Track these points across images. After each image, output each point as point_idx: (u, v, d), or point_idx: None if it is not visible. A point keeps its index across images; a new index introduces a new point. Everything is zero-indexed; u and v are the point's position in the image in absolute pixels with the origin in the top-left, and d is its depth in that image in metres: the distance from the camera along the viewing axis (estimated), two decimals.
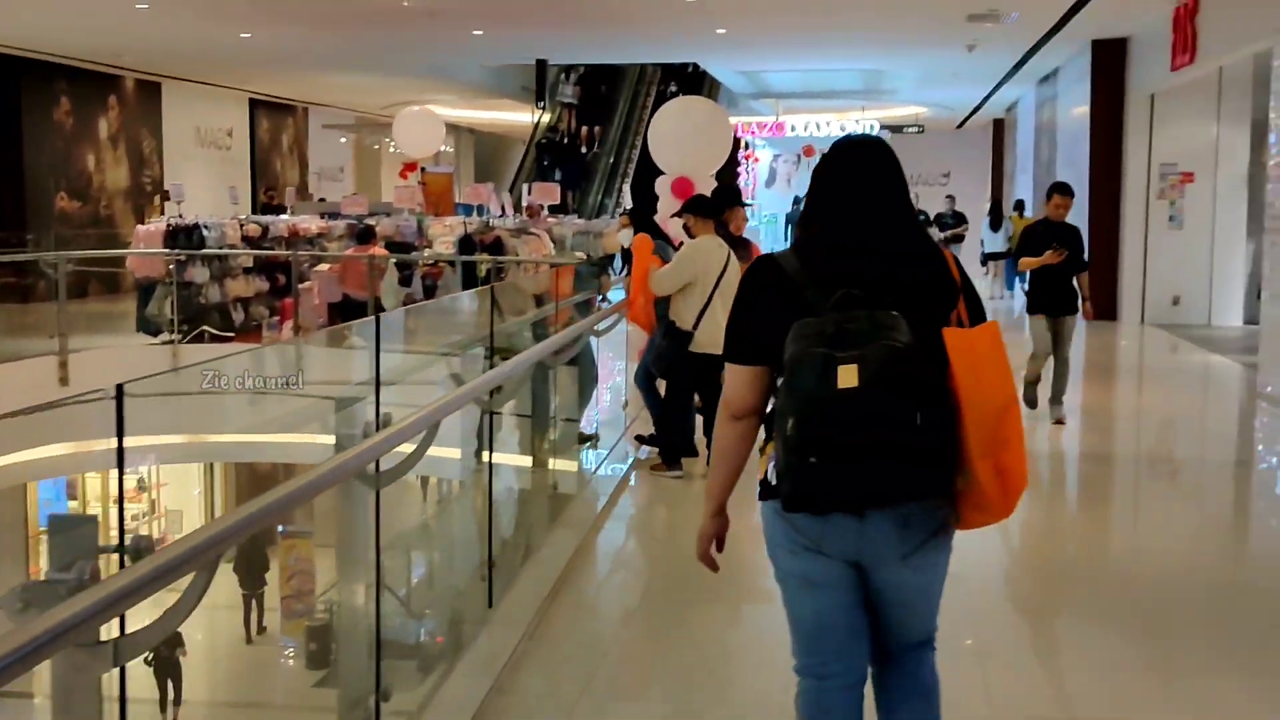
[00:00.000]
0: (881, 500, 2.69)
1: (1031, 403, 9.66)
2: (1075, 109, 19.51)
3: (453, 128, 31.03)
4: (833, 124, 23.40)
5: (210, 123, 25.34)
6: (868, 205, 2.86)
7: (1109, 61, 17.80)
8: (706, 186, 12.22)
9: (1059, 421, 9.61)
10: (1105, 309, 17.67)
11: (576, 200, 22.95)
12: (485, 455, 5.80)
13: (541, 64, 19.75)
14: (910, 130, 31.53)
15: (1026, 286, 9.83)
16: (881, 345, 2.58)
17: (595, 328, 7.87)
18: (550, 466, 7.17)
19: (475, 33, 16.99)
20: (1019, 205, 23.41)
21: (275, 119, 28.05)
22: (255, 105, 26.99)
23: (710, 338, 7.59)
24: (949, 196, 22.96)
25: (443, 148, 32.39)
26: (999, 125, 33.12)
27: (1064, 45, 18.23)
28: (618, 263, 14.83)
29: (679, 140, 11.87)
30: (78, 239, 19.41)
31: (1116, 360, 15.11)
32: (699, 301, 7.58)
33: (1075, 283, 9.75)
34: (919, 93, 26.23)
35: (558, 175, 23.46)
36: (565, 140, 24.64)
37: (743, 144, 24.58)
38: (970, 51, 18.05)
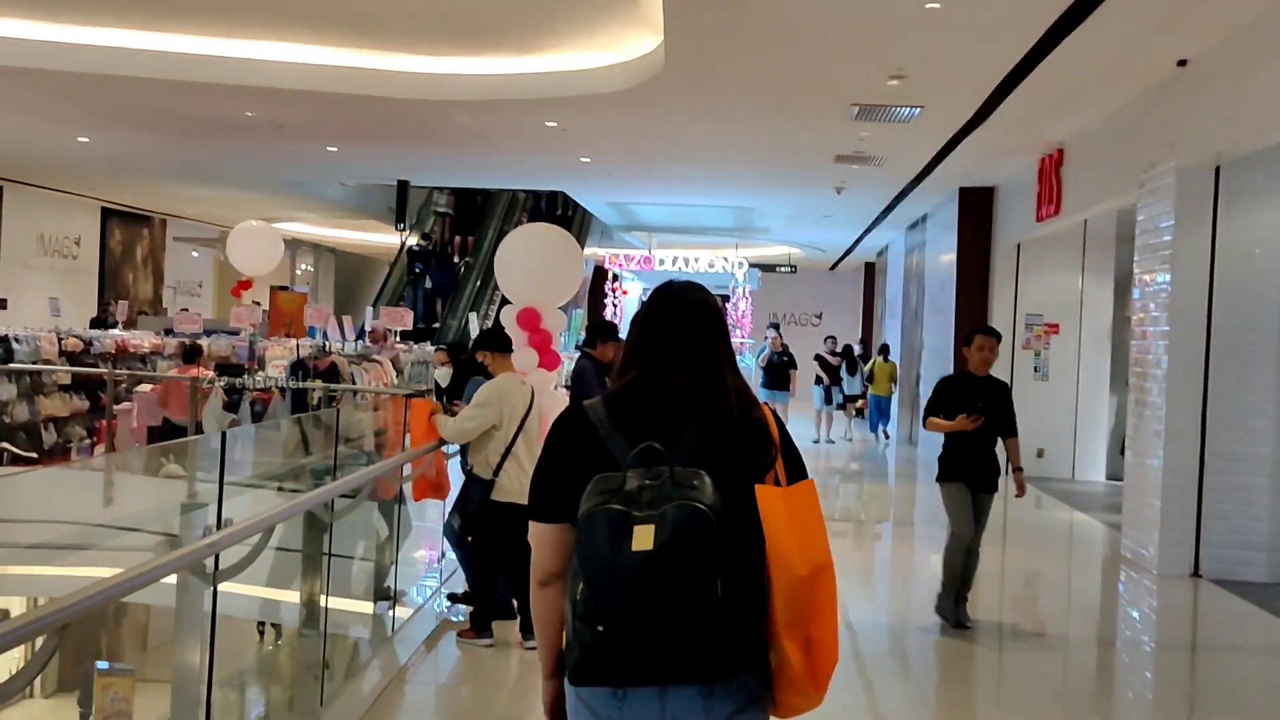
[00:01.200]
0: (680, 675, 2.48)
1: (952, 618, 7.83)
2: (943, 255, 19.39)
3: (314, 247, 30.22)
4: (702, 259, 23.06)
5: (56, 230, 24.15)
6: (682, 354, 2.69)
7: (976, 209, 17.71)
8: (554, 318, 11.55)
9: (960, 625, 7.78)
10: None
11: (444, 311, 22.19)
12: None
13: (403, 185, 19.10)
14: (783, 270, 31.50)
15: (941, 451, 8.03)
16: (681, 505, 2.40)
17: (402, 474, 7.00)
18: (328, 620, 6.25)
19: (329, 149, 16.29)
20: (884, 349, 23.37)
21: (129, 229, 26.92)
22: (108, 214, 25.88)
23: (515, 484, 6.85)
24: (830, 337, 22.92)
25: (303, 267, 31.65)
26: (870, 268, 33.28)
27: (932, 192, 18.13)
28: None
29: (526, 269, 11.18)
30: None
31: None
32: (501, 445, 6.84)
33: (1000, 448, 7.98)
34: (791, 233, 26.13)
35: (428, 283, 22.72)
36: (436, 249, 24.03)
37: (610, 275, 24.08)
38: (839, 194, 17.85)
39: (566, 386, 16.44)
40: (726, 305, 25.41)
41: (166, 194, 23.83)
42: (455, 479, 7.71)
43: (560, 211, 24.07)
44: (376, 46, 12.11)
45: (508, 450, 6.87)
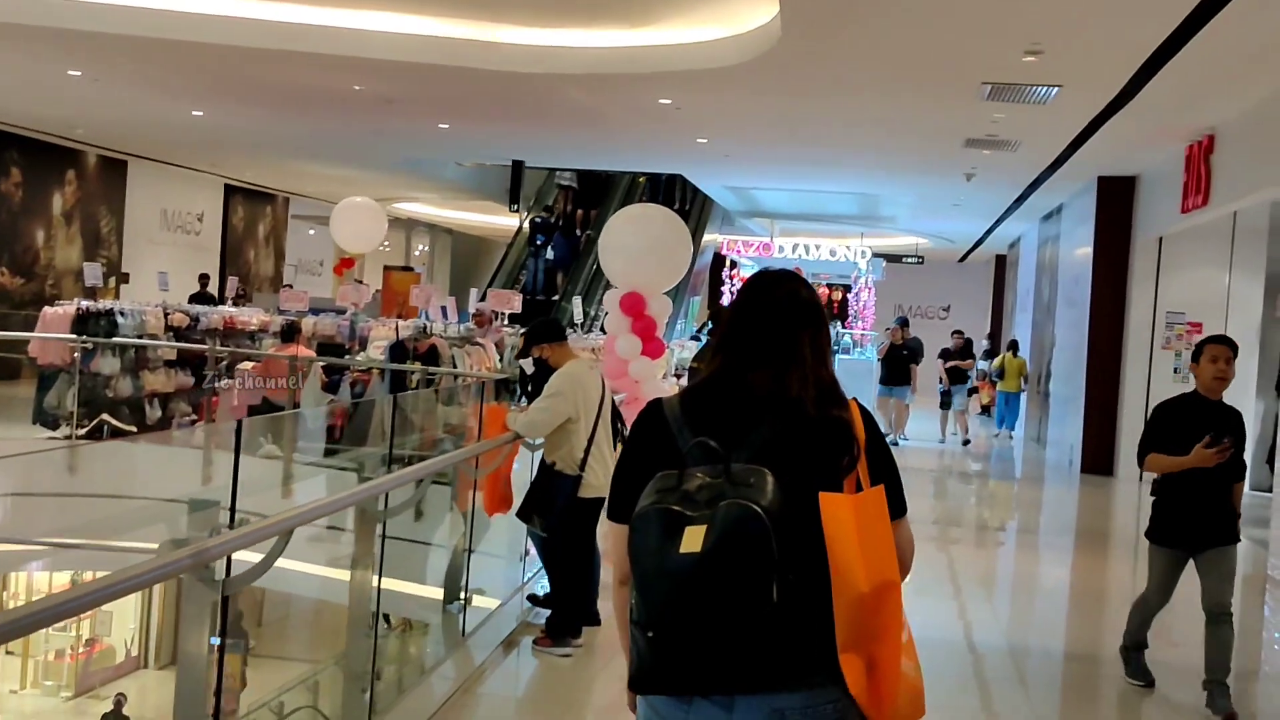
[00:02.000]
0: (745, 685, 2.35)
1: (1138, 671, 6.82)
2: (1078, 248, 18.41)
3: (430, 227, 30.08)
4: (823, 247, 22.31)
5: (179, 205, 24.31)
6: (765, 348, 2.57)
7: (1115, 200, 16.72)
8: (660, 304, 11.02)
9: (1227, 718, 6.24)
10: (1102, 464, 16.41)
11: (566, 284, 21.82)
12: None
13: (518, 165, 18.71)
14: (910, 260, 30.51)
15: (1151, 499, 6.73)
16: (733, 504, 2.28)
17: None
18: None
19: (441, 126, 15.94)
20: (1013, 345, 22.50)
21: (252, 206, 27.06)
22: (231, 191, 26.01)
23: (602, 479, 6.34)
24: (957, 331, 21.89)
25: (420, 248, 31.58)
26: (1000, 261, 32.12)
27: (1068, 181, 17.18)
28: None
29: (631, 251, 10.66)
30: (10, 319, 18.17)
31: (1110, 524, 13.73)
32: (582, 438, 6.32)
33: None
34: (918, 222, 25.23)
35: (550, 254, 22.37)
36: (559, 221, 23.74)
37: (728, 263, 23.46)
38: (969, 180, 16.99)
39: (677, 375, 15.97)
40: (848, 296, 24.59)
41: (287, 171, 23.83)
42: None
43: (680, 196, 23.48)
44: (485, 18, 11.68)
45: (589, 442, 6.36)
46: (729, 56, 10.88)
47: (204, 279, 19.85)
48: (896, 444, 18.59)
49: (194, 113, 16.13)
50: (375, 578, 4.80)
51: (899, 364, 17.69)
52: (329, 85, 13.61)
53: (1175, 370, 15.93)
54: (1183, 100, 11.44)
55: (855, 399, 2.61)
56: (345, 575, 4.82)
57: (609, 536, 2.62)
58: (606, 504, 2.62)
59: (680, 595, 2.26)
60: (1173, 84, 10.54)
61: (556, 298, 21.95)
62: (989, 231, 25.73)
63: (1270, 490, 15.23)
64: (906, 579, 2.52)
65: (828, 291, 29.23)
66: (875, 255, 25.06)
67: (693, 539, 2.26)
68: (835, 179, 19.28)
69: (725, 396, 2.55)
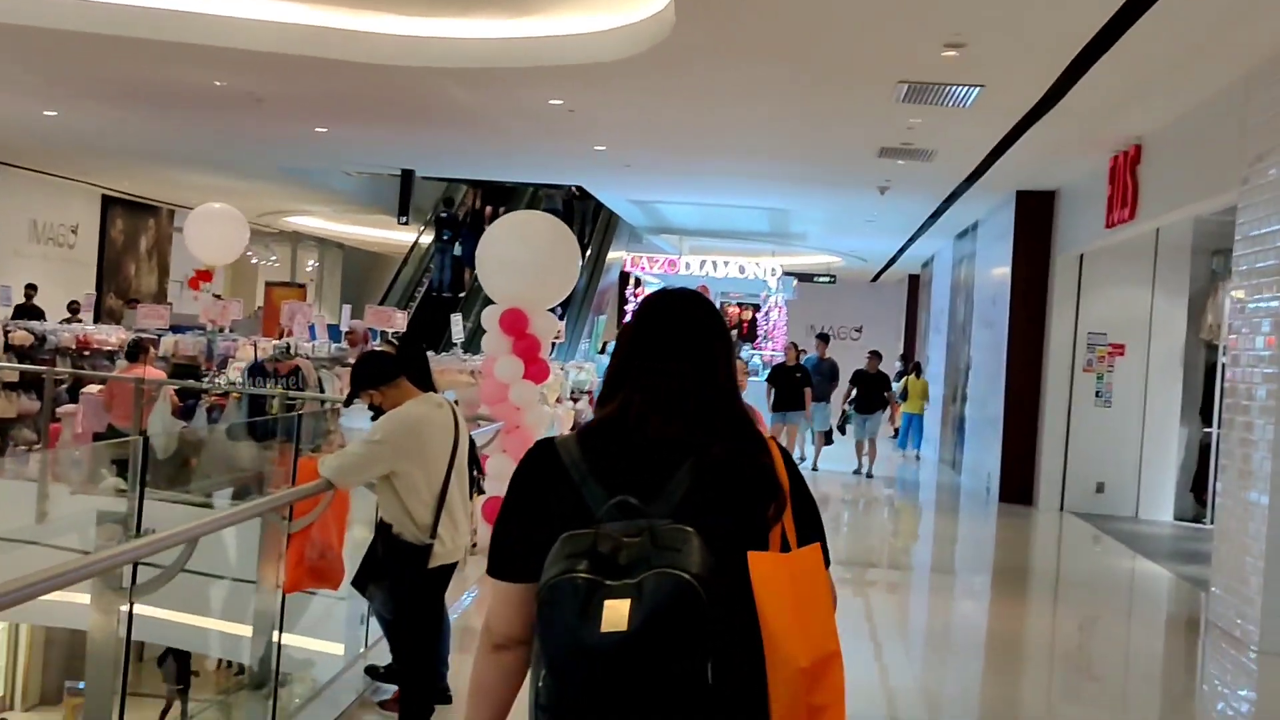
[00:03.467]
0: None
1: None
2: (995, 266, 17.66)
3: (319, 242, 28.69)
4: (732, 264, 21.39)
5: (51, 217, 22.77)
6: (669, 380, 2.22)
7: (1034, 215, 15.97)
8: (545, 321, 9.97)
9: None
10: (1021, 493, 15.61)
11: (472, 280, 20.65)
12: None
13: (408, 175, 17.56)
14: (822, 280, 29.83)
15: None
16: (663, 575, 1.97)
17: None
18: None
19: (319, 130, 14.75)
20: (916, 366, 22.09)
21: (133, 219, 25.50)
22: (110, 202, 24.47)
23: (456, 541, 5.22)
24: (873, 352, 20.77)
25: (311, 264, 30.21)
26: (914, 281, 31.52)
27: (985, 195, 16.42)
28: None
29: (513, 264, 9.61)
30: None
31: (1031, 561, 12.87)
32: (426, 495, 5.16)
33: None
34: (831, 240, 24.46)
35: (458, 250, 21.29)
36: (468, 218, 22.63)
37: (632, 280, 22.46)
38: (882, 194, 16.15)
39: (573, 399, 14.92)
40: (757, 316, 23.70)
41: (166, 181, 22.41)
42: None
43: (584, 212, 22.48)
44: (349, 5, 10.56)
45: (439, 502, 5.17)
46: (620, 48, 9.86)
47: (30, 290, 18.31)
48: (870, 477, 17.83)
49: (46, 113, 14.78)
50: (119, 678, 3.64)
51: (792, 386, 16.55)
52: (188, 80, 12.39)
53: (1097, 394, 15.20)
54: (1110, 105, 10.66)
55: (773, 438, 2.29)
56: None
57: (490, 594, 2.24)
58: (488, 558, 2.24)
59: (603, 681, 1.97)
60: (1100, 86, 9.74)
61: (463, 295, 20.94)
62: (902, 249, 25.05)
63: (1196, 520, 14.56)
64: None
65: (737, 311, 28.36)
66: (786, 274, 24.21)
67: (616, 615, 1.97)
68: (743, 193, 18.36)
69: (630, 439, 2.21)
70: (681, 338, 2.28)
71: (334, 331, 13.92)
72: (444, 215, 22.27)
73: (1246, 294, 8.85)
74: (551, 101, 12.04)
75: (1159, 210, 11.49)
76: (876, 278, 32.52)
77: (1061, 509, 15.03)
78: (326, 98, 12.90)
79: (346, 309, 14.13)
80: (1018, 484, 15.66)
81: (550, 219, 10.10)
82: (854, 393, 18.15)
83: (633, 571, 1.99)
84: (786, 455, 2.26)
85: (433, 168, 18.25)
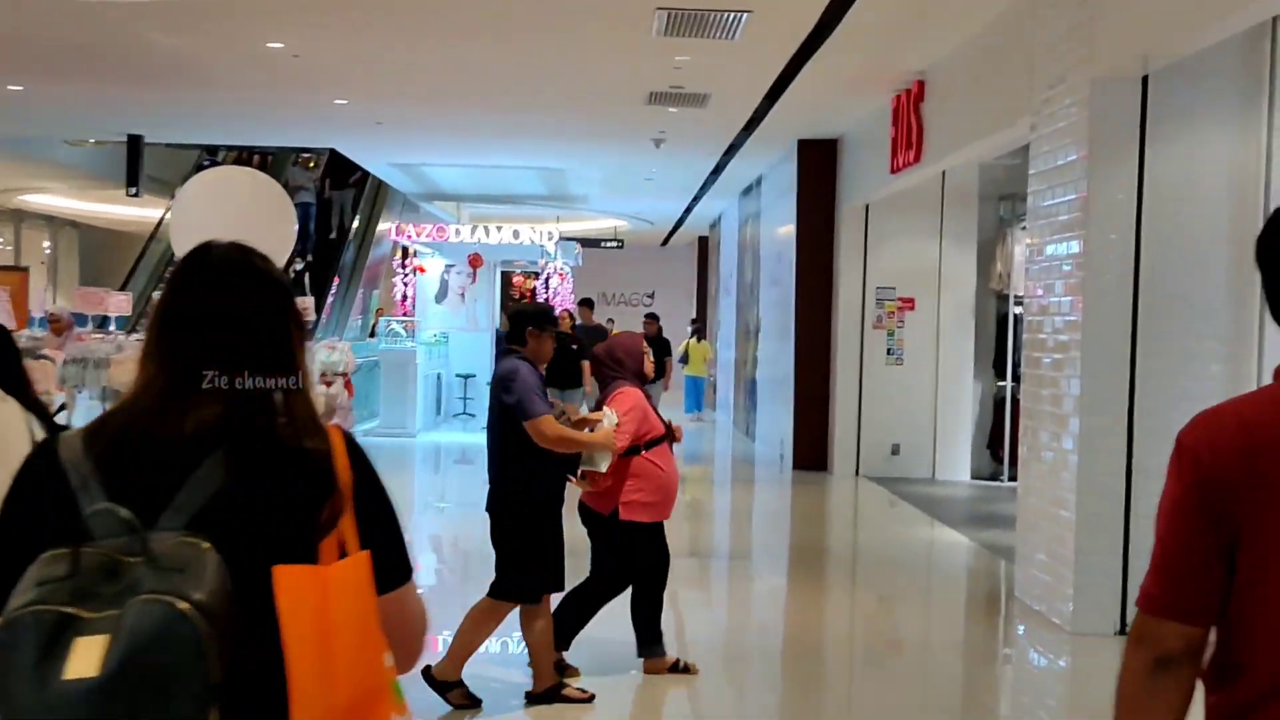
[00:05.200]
0: None
1: None
2: (780, 221, 16.81)
3: (48, 220, 26.19)
4: (506, 230, 20.11)
5: None
6: (212, 354, 1.85)
7: (817, 166, 15.13)
8: None
9: None
10: (815, 458, 14.79)
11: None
12: None
13: (135, 141, 15.69)
14: (609, 245, 28.74)
15: None
16: (150, 603, 1.60)
17: None
18: None
19: (11, 88, 12.85)
20: (698, 330, 21.43)
21: None
22: None
23: None
24: (650, 316, 19.59)
25: (46, 246, 27.72)
26: (704, 243, 30.78)
27: (766, 147, 15.52)
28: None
29: (209, 230, 8.11)
30: None
31: (826, 537, 11.95)
32: None
33: None
34: (614, 202, 23.35)
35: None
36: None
37: (398, 250, 20.93)
38: (658, 147, 15.05)
39: (326, 382, 13.43)
40: (535, 283, 22.48)
41: None
42: None
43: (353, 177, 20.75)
44: None
45: None
46: None
47: None
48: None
49: None
50: None
51: (566, 360, 14.93)
52: None
53: (889, 352, 14.45)
54: (888, 35, 9.74)
55: (338, 425, 1.95)
56: None
57: None
58: None
59: None
60: (877, 9, 8.77)
61: None
62: (688, 210, 24.19)
63: (994, 479, 13.95)
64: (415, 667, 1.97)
65: (521, 280, 27.07)
66: (568, 239, 23.05)
67: (86, 656, 1.58)
68: (512, 152, 17.03)
69: (153, 430, 1.82)
70: (220, 302, 1.91)
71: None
72: (205, 163, 20.19)
73: (1041, 235, 8.00)
74: (270, 45, 10.51)
75: (946, 150, 10.65)
76: (666, 241, 31.68)
77: (857, 474, 14.25)
78: (9, 45, 11.08)
79: (41, 292, 12.30)
80: (811, 449, 14.85)
81: (253, 174, 8.62)
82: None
83: (120, 600, 1.63)
84: (352, 443, 1.93)
85: (164, 133, 16.39)
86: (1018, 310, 12.80)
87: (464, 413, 20.78)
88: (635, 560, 6.05)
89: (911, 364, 14.32)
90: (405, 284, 20.62)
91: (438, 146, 16.69)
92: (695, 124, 13.67)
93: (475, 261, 19.72)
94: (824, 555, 10.72)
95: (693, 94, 12.00)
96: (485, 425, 5.89)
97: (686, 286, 32.70)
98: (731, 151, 16.15)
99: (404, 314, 20.23)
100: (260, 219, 8.35)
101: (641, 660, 6.16)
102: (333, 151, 18.64)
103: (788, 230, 15.94)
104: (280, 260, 8.57)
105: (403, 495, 14.28)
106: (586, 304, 16.23)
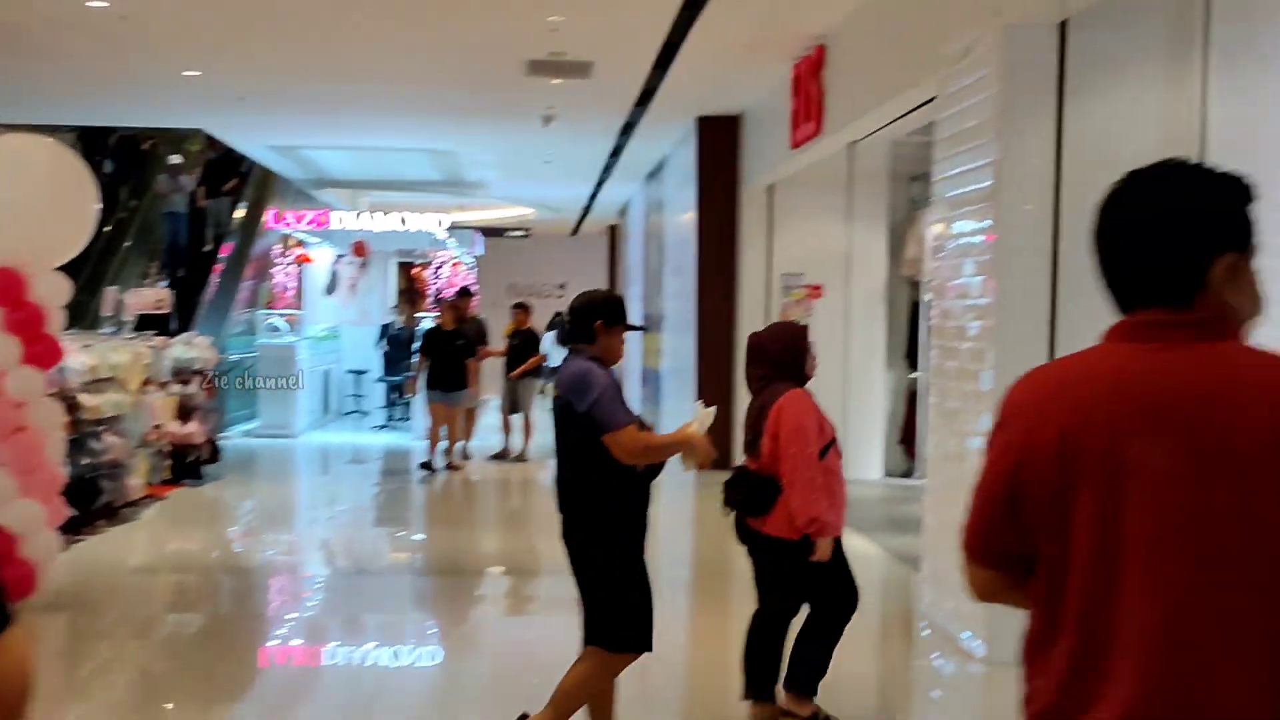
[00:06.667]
0: None
1: None
2: (683, 204, 15.83)
3: None
4: (392, 217, 18.91)
5: None
6: None
7: (718, 144, 14.17)
8: (51, 284, 7.35)
9: None
10: (719, 456, 13.80)
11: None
12: None
13: None
14: (515, 234, 27.66)
15: None
16: None
17: None
18: None
19: None
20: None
21: None
22: None
23: None
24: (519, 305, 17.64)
25: None
26: (614, 231, 29.78)
27: (665, 124, 14.54)
28: None
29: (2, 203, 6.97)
30: None
31: (727, 547, 10.95)
32: None
33: None
34: (514, 188, 22.21)
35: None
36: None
37: (280, 237, 19.66)
38: (547, 124, 13.97)
39: (181, 380, 12.17)
40: (425, 274, 21.31)
41: None
42: None
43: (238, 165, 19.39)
44: None
45: None
46: None
47: None
48: (524, 460, 14.83)
49: None
50: None
51: (452, 356, 13.62)
52: None
53: None
54: None
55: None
56: None
57: None
58: None
59: None
60: None
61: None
62: (594, 196, 23.15)
63: (907, 476, 13.08)
64: None
65: (419, 270, 25.86)
66: (466, 227, 21.91)
67: None
68: (396, 131, 15.86)
69: None
70: None
71: None
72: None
73: (947, 209, 7.06)
74: (90, 4, 9.31)
75: (846, 119, 9.70)
76: (575, 230, 30.63)
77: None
78: None
79: None
80: (714, 446, 13.85)
81: (50, 145, 7.46)
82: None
83: None
84: None
85: (9, 112, 15.01)
86: (929, 296, 11.91)
87: (356, 411, 19.63)
88: (828, 580, 5.16)
89: (821, 354, 13.29)
90: (286, 275, 19.36)
91: (313, 126, 15.48)
92: (584, 98, 12.63)
93: (360, 250, 18.53)
94: (728, 569, 9.72)
95: (574, 62, 10.96)
96: (555, 442, 4.86)
97: (599, 277, 31.70)
98: (629, 130, 15.16)
99: (287, 307, 18.97)
100: (57, 194, 7.24)
101: (748, 703, 5.27)
102: (209, 161, 17.38)
103: (690, 215, 14.97)
104: (80, 242, 7.43)
105: (281, 500, 13.17)
106: (464, 294, 14.97)
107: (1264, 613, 1.80)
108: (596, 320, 4.75)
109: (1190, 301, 1.94)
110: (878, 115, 9.18)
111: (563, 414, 4.68)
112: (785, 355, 5.31)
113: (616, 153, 17.18)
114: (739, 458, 12.70)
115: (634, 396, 20.76)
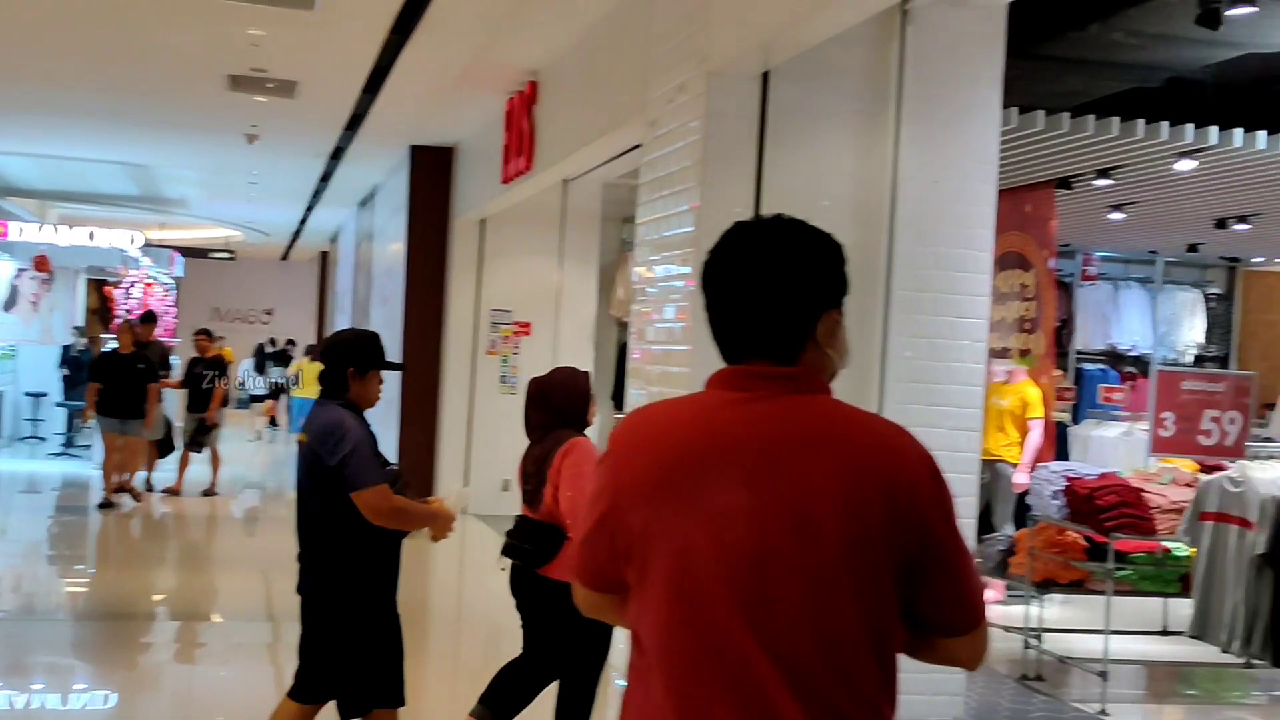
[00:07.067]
0: None
1: None
2: (394, 233, 15.46)
3: None
4: (80, 231, 17.73)
5: None
6: None
7: (431, 174, 13.88)
8: None
9: None
10: (422, 492, 13.42)
11: None
12: None
13: None
14: (219, 256, 26.53)
15: None
16: None
17: None
18: None
19: None
20: (311, 349, 19.77)
21: None
22: None
23: None
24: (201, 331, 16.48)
25: None
26: (325, 258, 28.98)
27: (378, 151, 14.20)
28: None
29: None
30: None
31: (429, 589, 10.63)
32: None
33: None
34: (217, 207, 21.26)
35: None
36: None
37: None
38: (251, 142, 13.37)
39: None
40: (115, 292, 20.12)
41: None
42: None
43: None
44: None
45: None
46: None
47: None
48: (213, 494, 13.92)
49: None
50: None
51: (131, 381, 12.73)
52: None
53: (503, 379, 13.35)
54: (489, 24, 8.59)
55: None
56: None
57: None
58: None
59: None
60: None
61: None
62: (304, 221, 22.42)
63: None
64: None
65: (109, 290, 24.47)
66: (163, 246, 20.82)
67: None
68: (83, 141, 14.86)
69: None
70: None
71: None
72: None
73: (649, 252, 7.02)
74: None
75: (556, 157, 9.59)
76: (286, 255, 29.67)
77: (465, 511, 13.01)
78: None
79: None
80: (417, 483, 13.50)
81: None
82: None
83: None
84: None
85: None
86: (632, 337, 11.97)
87: (33, 436, 18.29)
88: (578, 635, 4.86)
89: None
90: None
91: None
92: (290, 118, 12.14)
93: (42, 265, 17.28)
94: (426, 616, 9.38)
95: (279, 80, 10.50)
96: (297, 488, 4.59)
97: (308, 303, 30.77)
98: (340, 155, 14.70)
99: None
100: None
101: None
102: None
103: (400, 245, 14.61)
104: None
105: None
106: (149, 319, 14.10)
107: (814, 649, 1.86)
108: (348, 367, 4.53)
109: (794, 357, 2.00)
110: (586, 155, 9.12)
111: (310, 463, 4.43)
112: (568, 403, 5.16)
113: (327, 177, 16.65)
114: (441, 489, 12.28)
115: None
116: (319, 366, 15.06)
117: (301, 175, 16.58)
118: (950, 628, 1.99)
